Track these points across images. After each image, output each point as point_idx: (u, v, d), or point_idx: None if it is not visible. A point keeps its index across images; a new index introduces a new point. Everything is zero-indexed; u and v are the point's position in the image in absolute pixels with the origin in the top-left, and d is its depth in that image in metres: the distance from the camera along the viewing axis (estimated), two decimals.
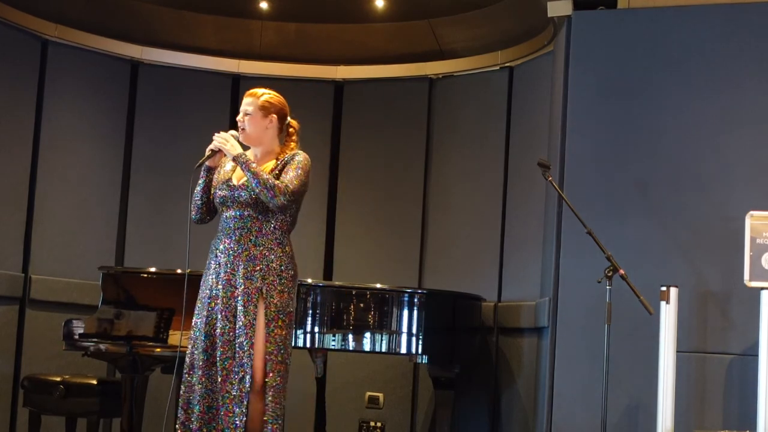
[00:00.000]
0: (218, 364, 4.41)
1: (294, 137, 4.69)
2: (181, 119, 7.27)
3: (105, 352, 5.56)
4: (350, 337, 5.83)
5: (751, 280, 4.86)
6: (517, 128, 6.76)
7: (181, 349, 5.43)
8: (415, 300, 5.86)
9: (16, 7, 6.52)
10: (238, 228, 4.47)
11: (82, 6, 6.85)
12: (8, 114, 6.53)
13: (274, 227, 4.48)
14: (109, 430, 6.66)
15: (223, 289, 4.44)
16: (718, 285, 5.30)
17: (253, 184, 4.40)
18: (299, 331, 5.81)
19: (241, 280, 4.42)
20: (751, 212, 4.90)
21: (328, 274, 7.23)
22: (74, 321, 5.61)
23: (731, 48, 5.49)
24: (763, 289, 4.84)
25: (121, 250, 7.09)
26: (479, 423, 6.63)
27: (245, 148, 4.60)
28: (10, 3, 6.47)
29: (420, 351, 5.81)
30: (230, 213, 4.50)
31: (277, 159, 4.58)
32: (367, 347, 5.83)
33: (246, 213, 4.47)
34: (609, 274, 4.87)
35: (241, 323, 4.39)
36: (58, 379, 5.71)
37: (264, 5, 7.04)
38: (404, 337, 5.82)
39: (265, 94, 4.65)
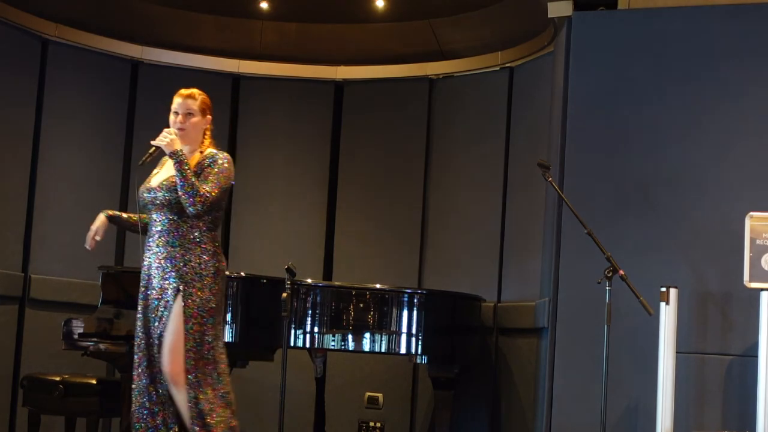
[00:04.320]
0: (155, 364, 4.52)
1: (209, 131, 4.82)
2: None
3: (104, 352, 5.56)
4: (350, 337, 5.83)
5: (750, 281, 4.85)
6: (517, 128, 6.76)
7: None
8: (415, 300, 5.86)
9: (16, 6, 6.52)
10: (158, 231, 4.58)
11: (82, 6, 6.85)
12: (8, 114, 6.53)
13: (191, 226, 4.56)
14: (108, 429, 6.66)
15: (150, 290, 4.57)
16: (718, 286, 5.30)
17: (179, 185, 4.48)
18: (299, 331, 5.81)
19: (161, 282, 4.53)
20: (751, 213, 4.90)
21: (328, 274, 7.23)
22: (74, 320, 5.60)
23: (731, 48, 5.49)
24: (762, 290, 4.84)
25: (121, 250, 7.09)
26: (478, 423, 6.63)
27: None
28: (10, 2, 6.47)
29: (419, 351, 5.81)
30: (153, 215, 4.62)
31: (201, 152, 4.66)
32: (366, 347, 5.83)
33: (164, 215, 4.57)
34: (609, 275, 4.87)
35: (160, 323, 4.51)
36: (58, 378, 5.70)
37: (264, 5, 7.04)
38: (404, 338, 5.82)
39: (201, 94, 4.76)
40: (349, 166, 7.35)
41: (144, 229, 4.69)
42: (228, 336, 5.58)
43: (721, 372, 5.27)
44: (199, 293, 4.51)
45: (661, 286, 5.05)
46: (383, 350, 5.86)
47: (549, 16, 5.91)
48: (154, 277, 4.55)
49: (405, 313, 5.83)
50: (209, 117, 4.75)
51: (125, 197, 7.13)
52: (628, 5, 5.78)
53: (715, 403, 5.26)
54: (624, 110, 5.63)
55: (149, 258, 4.58)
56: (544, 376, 5.67)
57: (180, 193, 4.47)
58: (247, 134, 7.40)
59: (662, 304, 5.02)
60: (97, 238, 4.77)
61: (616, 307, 4.90)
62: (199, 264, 4.53)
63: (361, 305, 5.84)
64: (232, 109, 7.41)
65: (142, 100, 7.20)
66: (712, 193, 5.41)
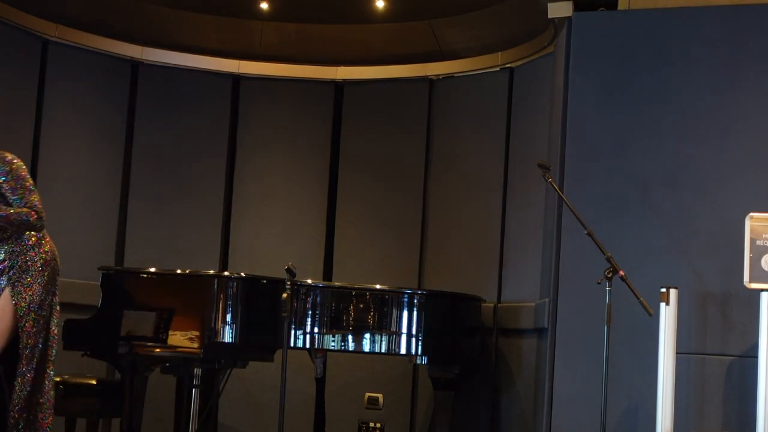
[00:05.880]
0: None
1: None
2: (181, 119, 7.27)
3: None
4: (350, 337, 5.83)
5: (750, 281, 4.85)
6: (517, 129, 6.76)
7: (180, 349, 5.46)
8: (415, 301, 5.86)
9: (16, 6, 6.52)
10: None
11: (82, 6, 6.85)
12: (8, 114, 6.53)
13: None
14: (108, 430, 6.65)
15: None
16: (718, 286, 5.30)
17: (6, 224, 4.60)
18: (299, 332, 5.81)
19: None
20: (751, 214, 4.90)
21: (328, 274, 7.23)
22: (74, 320, 5.60)
23: (731, 48, 5.49)
24: (762, 290, 4.83)
25: (121, 250, 7.08)
26: (479, 424, 6.63)
27: None
28: (10, 3, 6.47)
29: (420, 352, 5.81)
30: None
31: None
32: (366, 348, 5.83)
33: None
34: (609, 275, 4.87)
35: None
36: (58, 379, 5.70)
37: (264, 5, 7.04)
38: (404, 338, 5.82)
39: None
40: (349, 167, 7.35)
41: None
42: (228, 336, 5.59)
43: (721, 372, 5.26)
44: (28, 290, 4.64)
45: (661, 287, 5.05)
46: (383, 351, 5.86)
47: (549, 16, 5.91)
48: None
49: (405, 313, 5.83)
50: None
51: (125, 197, 7.13)
52: (628, 6, 5.77)
53: (715, 403, 5.26)
54: (624, 110, 5.63)
55: None
56: (544, 376, 5.67)
57: (12, 228, 4.61)
58: (247, 135, 7.40)
59: (662, 305, 5.02)
60: None
61: (616, 307, 4.90)
62: (26, 261, 4.66)
63: (361, 306, 5.84)
64: (232, 109, 7.41)
65: (142, 100, 7.20)
66: (712, 193, 5.41)
